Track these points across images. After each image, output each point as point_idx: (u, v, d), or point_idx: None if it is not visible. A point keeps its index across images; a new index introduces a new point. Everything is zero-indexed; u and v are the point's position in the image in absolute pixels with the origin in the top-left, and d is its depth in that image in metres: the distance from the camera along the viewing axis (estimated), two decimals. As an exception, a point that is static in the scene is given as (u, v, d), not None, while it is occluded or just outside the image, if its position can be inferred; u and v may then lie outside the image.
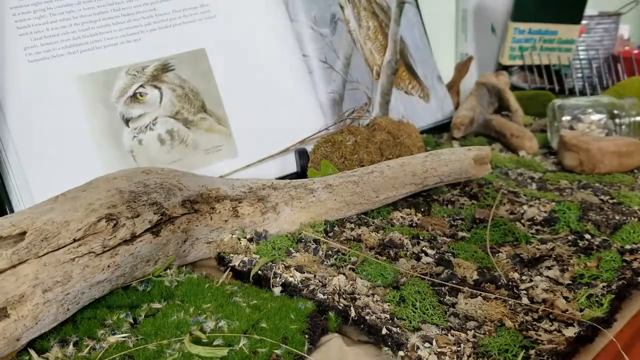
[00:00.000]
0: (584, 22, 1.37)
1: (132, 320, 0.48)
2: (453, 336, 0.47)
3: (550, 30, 1.34)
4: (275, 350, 0.44)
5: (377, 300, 0.52)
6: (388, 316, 0.49)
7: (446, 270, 0.57)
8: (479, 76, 1.26)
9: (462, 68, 1.24)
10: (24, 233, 0.46)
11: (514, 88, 1.29)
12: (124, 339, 0.46)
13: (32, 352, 0.45)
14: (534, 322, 0.49)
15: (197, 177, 0.62)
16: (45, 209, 0.49)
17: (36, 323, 0.44)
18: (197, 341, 0.45)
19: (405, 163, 0.69)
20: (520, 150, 0.98)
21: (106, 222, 0.49)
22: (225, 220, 0.61)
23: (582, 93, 1.33)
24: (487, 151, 0.70)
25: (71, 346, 0.45)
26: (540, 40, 1.34)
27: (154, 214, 0.54)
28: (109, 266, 0.49)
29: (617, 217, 0.69)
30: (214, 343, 0.45)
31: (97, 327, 0.48)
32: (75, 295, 0.47)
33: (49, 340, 0.46)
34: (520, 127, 1.01)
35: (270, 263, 0.57)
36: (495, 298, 0.52)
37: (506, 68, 1.39)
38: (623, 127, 0.94)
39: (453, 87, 1.20)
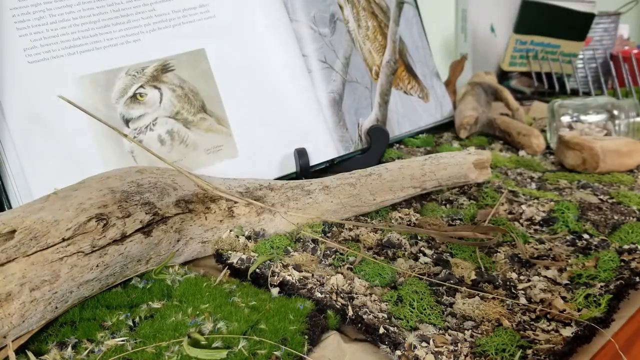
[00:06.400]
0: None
1: (131, 323, 0.49)
2: (450, 336, 0.47)
3: (553, 44, 1.34)
4: (275, 352, 0.44)
5: (374, 300, 0.52)
6: (385, 315, 0.50)
7: (444, 270, 0.57)
8: (473, 76, 1.26)
9: (456, 67, 1.24)
10: (13, 231, 0.46)
11: (514, 91, 1.30)
12: (122, 342, 0.46)
13: (30, 354, 0.45)
14: (532, 322, 0.50)
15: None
16: (36, 207, 0.49)
17: (23, 321, 0.45)
18: (195, 343, 0.45)
19: (403, 166, 0.69)
20: (522, 150, 0.98)
21: (96, 221, 0.50)
22: (220, 220, 0.61)
23: (582, 93, 1.33)
24: (488, 155, 0.70)
25: (70, 349, 0.45)
26: (542, 51, 1.34)
27: (146, 213, 0.54)
28: (97, 266, 0.49)
29: (615, 217, 0.69)
30: (213, 345, 0.45)
31: (96, 329, 0.48)
32: (63, 294, 0.47)
33: (47, 343, 0.46)
34: (526, 125, 1.01)
35: (268, 261, 0.57)
36: (493, 298, 0.52)
37: (507, 73, 1.40)
38: (622, 127, 0.94)
39: (449, 87, 1.20)
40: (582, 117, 0.96)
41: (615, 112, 0.95)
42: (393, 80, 1.00)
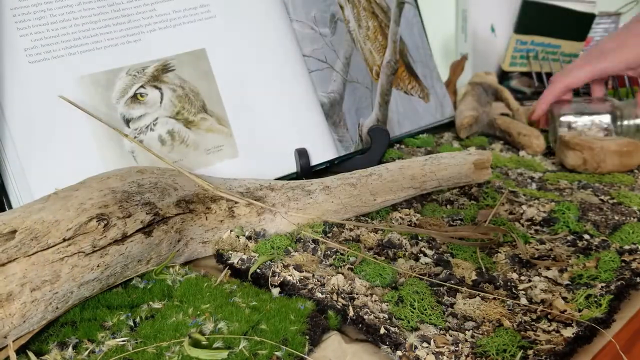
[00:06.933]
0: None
1: (132, 323, 0.49)
2: (451, 336, 0.47)
3: (553, 44, 1.34)
4: (276, 352, 0.44)
5: (375, 300, 0.52)
6: (386, 316, 0.50)
7: (445, 271, 0.57)
8: (473, 76, 1.27)
9: (456, 67, 1.24)
10: (14, 231, 0.46)
11: (514, 92, 1.30)
12: (123, 342, 0.46)
13: (30, 354, 0.45)
14: (533, 323, 0.50)
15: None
16: (36, 207, 0.49)
17: (24, 321, 0.45)
18: (196, 344, 0.45)
19: (404, 166, 0.69)
20: (523, 150, 0.98)
21: (97, 222, 0.49)
22: (221, 221, 0.61)
23: (583, 93, 1.33)
24: (488, 156, 0.70)
25: (70, 349, 0.45)
26: (543, 52, 1.34)
27: (147, 214, 0.54)
28: (98, 266, 0.49)
29: (616, 218, 0.69)
30: (214, 345, 0.45)
31: (96, 330, 0.48)
32: (63, 295, 0.47)
33: (48, 343, 0.46)
34: (526, 125, 1.01)
35: (269, 262, 0.57)
36: (494, 298, 0.52)
37: (507, 73, 1.40)
38: (623, 128, 0.94)
39: (449, 87, 1.20)
40: (583, 118, 0.96)
41: (617, 113, 0.95)
42: (393, 81, 1.00)
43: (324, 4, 0.90)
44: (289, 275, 0.55)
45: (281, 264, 0.57)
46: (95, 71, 0.71)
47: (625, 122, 0.94)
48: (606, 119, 0.95)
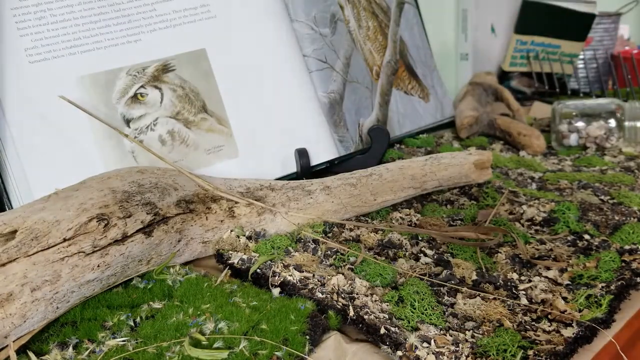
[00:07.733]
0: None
1: (132, 323, 0.49)
2: (451, 336, 0.47)
3: (553, 44, 1.34)
4: (276, 352, 0.44)
5: (375, 300, 0.52)
6: (387, 316, 0.50)
7: (445, 271, 0.57)
8: (473, 76, 1.26)
9: None
10: (14, 231, 0.46)
11: (514, 92, 1.30)
12: (123, 342, 0.46)
13: (31, 354, 0.45)
14: (533, 323, 0.50)
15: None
16: (37, 207, 0.49)
17: (24, 321, 0.45)
18: (196, 344, 0.45)
19: (404, 166, 0.69)
20: (523, 150, 0.98)
21: (97, 222, 0.49)
22: (221, 221, 0.61)
23: (583, 93, 1.33)
24: (488, 156, 0.70)
25: (70, 349, 0.45)
26: (543, 52, 1.34)
27: (147, 214, 0.54)
28: (98, 266, 0.49)
29: (616, 218, 0.69)
30: (214, 345, 0.45)
31: (97, 329, 0.48)
32: (64, 294, 0.47)
33: (48, 343, 0.46)
34: (526, 125, 1.01)
35: (269, 262, 0.57)
36: (494, 298, 0.52)
37: (507, 73, 1.40)
38: (626, 130, 0.94)
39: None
40: (586, 120, 0.96)
41: (619, 115, 0.95)
42: (394, 81, 1.00)
43: (324, 4, 0.90)
44: (290, 275, 0.55)
45: (281, 264, 0.57)
46: (96, 71, 0.71)
47: (629, 124, 0.94)
48: (610, 119, 0.95)
